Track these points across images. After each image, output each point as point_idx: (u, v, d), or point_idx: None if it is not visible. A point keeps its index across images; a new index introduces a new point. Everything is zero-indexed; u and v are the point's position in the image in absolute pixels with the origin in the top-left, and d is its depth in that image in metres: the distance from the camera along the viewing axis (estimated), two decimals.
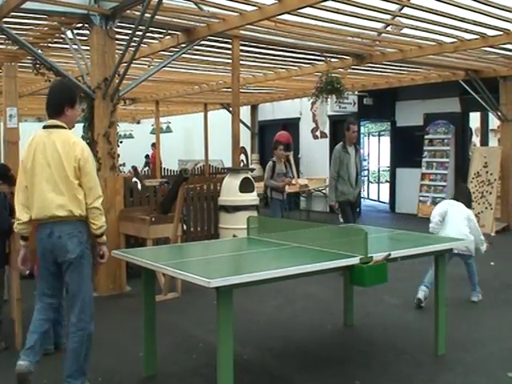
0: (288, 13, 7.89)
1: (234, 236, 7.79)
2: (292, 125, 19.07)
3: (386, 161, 20.17)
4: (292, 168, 16.00)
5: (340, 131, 17.75)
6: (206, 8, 8.26)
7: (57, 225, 4.54)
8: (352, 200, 9.43)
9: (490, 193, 13.42)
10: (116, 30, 8.17)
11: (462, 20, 8.67)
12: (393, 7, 8.37)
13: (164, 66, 9.43)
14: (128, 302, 7.69)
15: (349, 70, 13.44)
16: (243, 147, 19.07)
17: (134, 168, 17.38)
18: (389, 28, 9.71)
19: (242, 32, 9.60)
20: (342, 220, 9.74)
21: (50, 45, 9.98)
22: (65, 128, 4.67)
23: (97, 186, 4.63)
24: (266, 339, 6.25)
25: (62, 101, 4.71)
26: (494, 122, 15.89)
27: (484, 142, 17.00)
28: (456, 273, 7.52)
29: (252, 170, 12.59)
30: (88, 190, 4.57)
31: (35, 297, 5.61)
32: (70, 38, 8.74)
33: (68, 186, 4.53)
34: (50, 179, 4.54)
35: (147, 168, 22.99)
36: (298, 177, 16.35)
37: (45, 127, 4.72)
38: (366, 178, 22.98)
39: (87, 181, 4.56)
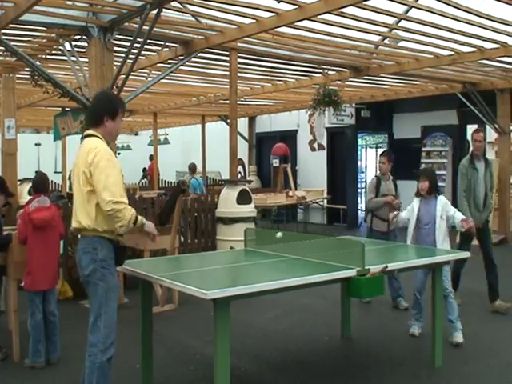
0: (285, 25, 7.92)
1: (232, 248, 7.78)
2: (290, 137, 19.07)
3: None
4: (290, 180, 16.03)
5: (337, 143, 17.91)
6: (203, 21, 8.30)
7: (80, 238, 4.41)
8: (478, 225, 7.45)
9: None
10: (114, 42, 8.19)
11: (459, 33, 8.70)
12: (390, 20, 8.41)
13: (162, 78, 9.46)
14: (125, 314, 7.62)
15: (346, 83, 13.48)
16: (241, 159, 19.09)
17: None
18: (386, 41, 9.74)
19: (239, 44, 9.63)
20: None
21: (48, 56, 10.01)
22: (96, 136, 4.42)
23: (105, 190, 4.16)
24: (263, 351, 6.23)
25: (101, 111, 4.48)
26: (491, 134, 15.91)
27: None
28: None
29: (249, 181, 12.60)
30: (97, 196, 4.23)
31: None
32: (69, 50, 8.75)
33: (79, 195, 4.34)
34: (76, 190, 4.41)
35: (145, 180, 22.99)
36: (296, 189, 16.36)
37: (81, 138, 4.59)
38: (364, 190, 22.97)
39: (95, 186, 4.21)
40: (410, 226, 6.74)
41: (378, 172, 8.52)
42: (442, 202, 6.60)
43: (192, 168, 15.47)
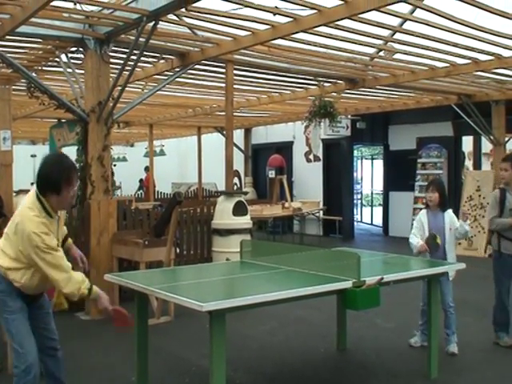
0: (281, 38, 7.95)
1: (227, 259, 7.79)
2: (285, 148, 19.13)
3: (379, 184, 20.25)
4: (285, 191, 16.04)
5: (333, 155, 17.93)
6: (200, 33, 8.32)
7: None
8: None
9: (483, 216, 13.44)
10: (110, 53, 8.21)
11: (455, 45, 8.73)
12: (385, 32, 8.45)
13: (158, 90, 9.48)
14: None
15: (342, 94, 13.52)
16: (237, 170, 19.10)
17: None
18: (381, 53, 9.78)
19: (235, 56, 9.66)
20: None
21: (44, 68, 10.03)
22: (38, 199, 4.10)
23: (55, 269, 4.10)
24: (259, 363, 6.22)
25: (44, 186, 4.10)
26: (486, 145, 15.96)
27: (477, 165, 17.07)
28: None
29: (245, 193, 12.59)
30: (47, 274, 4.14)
31: None
32: (65, 62, 8.78)
33: (7, 238, 4.22)
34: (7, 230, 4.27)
35: (141, 191, 22.99)
36: (292, 200, 16.37)
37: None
38: (360, 202, 23.05)
39: (35, 261, 4.07)
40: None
41: (502, 183, 6.88)
42: (450, 215, 6.54)
43: None
